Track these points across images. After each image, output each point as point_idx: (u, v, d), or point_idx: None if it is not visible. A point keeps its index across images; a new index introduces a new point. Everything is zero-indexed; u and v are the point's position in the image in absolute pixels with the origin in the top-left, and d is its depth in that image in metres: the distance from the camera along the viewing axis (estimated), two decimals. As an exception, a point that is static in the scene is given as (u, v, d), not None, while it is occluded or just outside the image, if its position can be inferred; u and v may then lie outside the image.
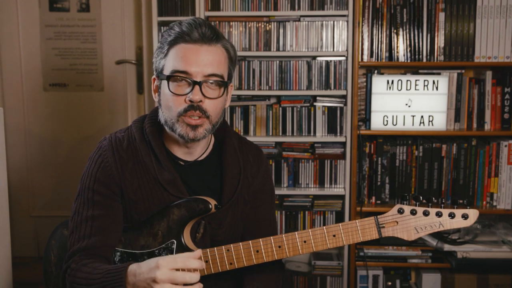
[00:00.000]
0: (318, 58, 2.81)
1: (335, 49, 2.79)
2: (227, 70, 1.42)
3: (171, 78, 1.36)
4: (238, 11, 2.78)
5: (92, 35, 3.35)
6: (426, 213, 1.28)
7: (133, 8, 3.32)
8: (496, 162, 2.72)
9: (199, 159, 1.50)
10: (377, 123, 2.72)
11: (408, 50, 2.72)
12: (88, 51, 3.37)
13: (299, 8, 2.78)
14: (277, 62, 2.81)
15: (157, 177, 1.42)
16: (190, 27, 1.36)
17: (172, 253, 1.39)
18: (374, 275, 2.81)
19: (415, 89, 2.69)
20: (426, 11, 2.70)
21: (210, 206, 1.38)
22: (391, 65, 2.80)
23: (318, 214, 2.86)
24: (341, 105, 2.81)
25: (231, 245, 1.36)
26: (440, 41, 2.70)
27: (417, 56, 2.72)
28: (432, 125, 2.69)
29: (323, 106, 2.83)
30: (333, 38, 2.79)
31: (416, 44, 2.71)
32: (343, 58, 2.78)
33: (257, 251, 1.35)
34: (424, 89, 2.68)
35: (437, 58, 2.71)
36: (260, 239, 1.35)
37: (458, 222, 1.27)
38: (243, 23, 2.80)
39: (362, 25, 2.73)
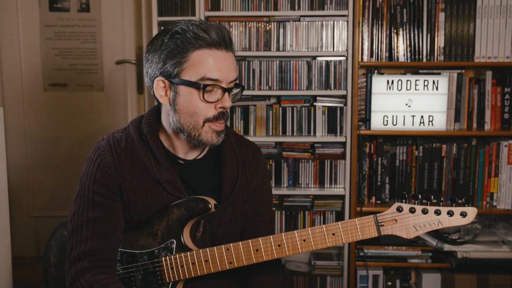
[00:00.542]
0: (318, 58, 2.81)
1: (335, 49, 2.79)
2: None
3: (206, 87, 1.34)
4: (238, 11, 2.78)
5: (92, 35, 3.35)
6: (425, 211, 1.29)
7: (133, 8, 3.33)
8: (496, 162, 2.72)
9: (198, 157, 1.50)
10: (377, 123, 2.72)
11: (408, 50, 2.72)
12: (88, 51, 3.37)
13: (299, 8, 2.78)
14: (277, 62, 2.81)
15: (156, 177, 1.42)
16: (211, 30, 1.34)
17: (172, 253, 1.40)
18: (374, 275, 2.81)
19: (415, 89, 2.69)
20: (426, 11, 2.70)
21: (210, 206, 1.38)
22: (391, 65, 2.80)
23: (318, 214, 2.86)
24: (341, 105, 2.82)
25: (231, 244, 1.36)
26: (440, 41, 2.70)
27: (417, 56, 2.72)
28: (432, 125, 2.70)
29: (323, 106, 2.83)
30: (333, 38, 2.79)
31: (416, 44, 2.71)
32: (343, 58, 2.78)
33: (257, 250, 1.35)
34: (424, 89, 2.68)
35: (437, 58, 2.71)
36: (260, 238, 1.35)
37: (456, 220, 1.28)
38: (243, 23, 2.80)
39: (362, 25, 2.73)
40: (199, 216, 1.41)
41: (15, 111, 3.41)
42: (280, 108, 2.84)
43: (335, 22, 2.78)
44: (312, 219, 2.86)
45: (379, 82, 2.70)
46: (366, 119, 2.79)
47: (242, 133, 2.86)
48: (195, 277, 1.40)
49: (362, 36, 2.73)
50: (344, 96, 2.81)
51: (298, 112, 2.84)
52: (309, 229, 1.32)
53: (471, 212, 1.27)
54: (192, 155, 1.49)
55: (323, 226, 1.32)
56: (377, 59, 2.75)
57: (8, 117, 3.35)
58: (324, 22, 2.79)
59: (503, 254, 2.65)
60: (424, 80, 2.68)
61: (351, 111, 2.75)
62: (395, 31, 2.72)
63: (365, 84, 2.81)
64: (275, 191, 2.81)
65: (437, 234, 2.74)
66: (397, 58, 2.73)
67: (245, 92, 2.82)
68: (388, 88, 2.70)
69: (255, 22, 2.80)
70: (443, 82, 2.68)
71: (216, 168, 1.51)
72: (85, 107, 3.41)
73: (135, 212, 1.43)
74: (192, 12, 2.78)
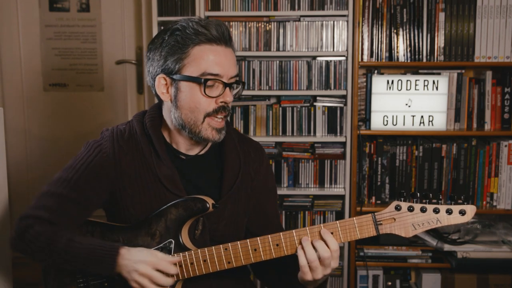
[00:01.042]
0: (318, 58, 2.81)
1: (335, 49, 2.79)
2: None
3: (207, 82, 1.35)
4: (238, 11, 2.78)
5: (92, 35, 3.36)
6: (423, 210, 1.28)
7: (133, 8, 3.33)
8: (496, 162, 2.72)
9: (200, 153, 1.51)
10: (377, 123, 2.72)
11: (408, 50, 2.72)
12: (88, 51, 3.37)
13: (299, 8, 2.78)
14: (277, 62, 2.81)
15: (156, 171, 1.43)
16: (210, 26, 1.36)
17: (170, 253, 1.40)
18: (374, 275, 2.81)
19: (415, 89, 2.69)
20: (426, 11, 2.70)
21: (208, 205, 1.38)
22: (391, 65, 2.80)
23: (318, 214, 2.86)
24: (341, 105, 2.81)
25: (229, 244, 1.36)
26: (440, 41, 2.70)
27: (417, 56, 2.72)
28: (432, 125, 2.69)
29: (323, 106, 2.83)
30: (333, 38, 2.79)
31: (416, 44, 2.71)
32: (343, 58, 2.78)
33: (255, 250, 1.35)
34: (424, 89, 2.68)
35: (437, 58, 2.71)
36: (258, 238, 1.35)
37: (455, 218, 1.27)
38: (243, 23, 2.80)
39: (362, 25, 2.73)
40: (197, 215, 1.41)
41: (15, 111, 3.41)
42: (280, 108, 2.84)
43: (335, 22, 2.78)
44: (312, 219, 2.86)
45: (379, 82, 2.70)
46: (366, 119, 2.78)
47: (238, 130, 2.86)
48: (194, 277, 1.40)
49: (362, 36, 2.73)
50: (344, 96, 2.81)
51: (298, 112, 2.84)
52: (307, 228, 1.32)
53: (470, 210, 1.27)
54: (194, 151, 1.50)
55: (321, 225, 1.31)
56: (377, 59, 2.75)
57: (8, 117, 3.35)
58: (324, 22, 2.79)
59: (503, 254, 2.65)
60: (424, 80, 2.67)
61: (351, 111, 2.75)
62: (395, 31, 2.72)
63: (365, 84, 2.81)
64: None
65: (437, 234, 2.74)
66: (397, 58, 2.73)
67: (245, 92, 2.82)
68: (388, 88, 2.70)
69: (255, 22, 2.80)
70: (443, 82, 2.68)
71: (218, 164, 1.52)
72: (85, 107, 3.41)
73: (131, 206, 1.44)
74: (192, 12, 2.78)
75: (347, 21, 2.74)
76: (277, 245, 1.34)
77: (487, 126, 2.76)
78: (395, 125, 2.71)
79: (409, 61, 2.72)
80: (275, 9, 2.78)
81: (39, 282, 3.09)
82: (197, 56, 1.35)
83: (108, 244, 1.36)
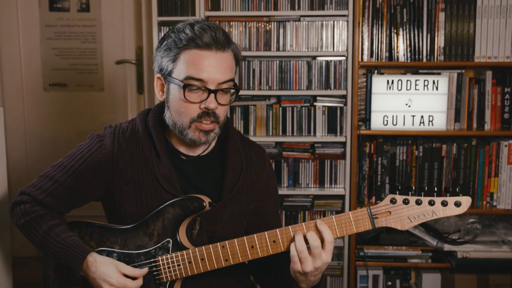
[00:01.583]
0: (318, 58, 2.81)
1: (335, 49, 2.79)
2: (234, 74, 1.44)
3: (187, 87, 1.35)
4: (238, 11, 2.78)
5: (92, 35, 3.36)
6: (418, 202, 1.28)
7: (133, 8, 3.33)
8: (496, 162, 2.72)
9: (202, 154, 1.51)
10: (377, 123, 2.72)
11: (408, 50, 2.72)
12: (88, 51, 3.37)
13: (299, 8, 2.78)
14: (277, 62, 2.81)
15: (154, 170, 1.43)
16: (203, 31, 1.35)
17: (168, 252, 1.40)
18: (374, 275, 2.81)
19: (415, 89, 2.69)
20: (426, 11, 2.70)
21: (204, 204, 1.38)
22: (391, 65, 2.80)
23: (318, 214, 2.86)
24: (341, 105, 2.81)
25: (226, 241, 1.36)
26: (440, 41, 2.70)
27: (417, 56, 2.72)
28: (432, 125, 2.69)
29: (323, 106, 2.83)
30: (333, 38, 2.79)
31: (416, 44, 2.71)
32: (343, 58, 2.78)
33: (252, 247, 1.35)
34: (424, 89, 2.68)
35: (437, 58, 2.71)
36: (255, 235, 1.35)
37: (451, 210, 1.27)
38: (243, 23, 2.80)
39: (362, 25, 2.73)
40: (194, 214, 1.41)
41: (15, 111, 3.41)
42: (280, 108, 2.84)
43: (335, 22, 2.78)
44: (312, 219, 2.86)
45: (379, 82, 2.70)
46: (366, 119, 2.78)
47: (241, 133, 2.86)
48: (193, 276, 1.41)
49: (362, 36, 2.73)
50: (344, 96, 2.81)
51: (298, 112, 2.84)
52: (303, 223, 1.32)
53: (465, 201, 1.26)
54: (195, 152, 1.50)
55: (317, 220, 1.32)
56: (377, 59, 2.75)
57: (8, 117, 3.35)
58: (324, 22, 2.79)
59: (503, 254, 2.65)
60: (424, 80, 2.67)
61: (351, 111, 2.75)
62: (395, 31, 2.72)
63: (365, 84, 2.81)
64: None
65: (437, 234, 2.74)
66: (397, 58, 2.73)
67: (245, 92, 2.82)
68: (388, 88, 2.70)
69: (255, 22, 2.80)
70: (443, 82, 2.68)
71: (220, 166, 1.52)
72: (85, 107, 3.41)
73: (127, 203, 1.45)
74: (192, 12, 2.78)
75: (347, 21, 2.74)
76: (274, 241, 1.34)
77: (487, 126, 2.76)
78: (395, 125, 2.71)
79: (409, 61, 2.72)
80: (275, 9, 2.78)
81: (39, 282, 3.10)
82: (185, 60, 1.36)
83: (80, 247, 1.40)
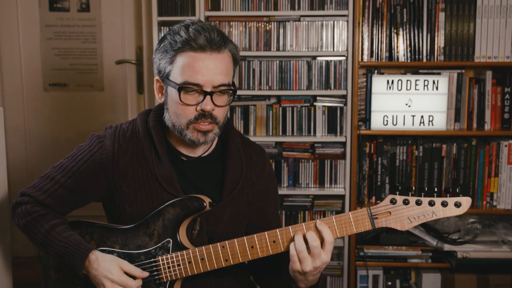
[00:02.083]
0: (318, 58, 2.81)
1: (335, 49, 2.79)
2: (232, 74, 1.43)
3: (182, 90, 1.36)
4: (238, 11, 2.78)
5: (92, 35, 3.36)
6: (418, 203, 1.28)
7: (133, 8, 3.32)
8: (496, 162, 2.72)
9: (202, 155, 1.51)
10: (377, 123, 2.72)
11: (408, 50, 2.72)
12: (88, 51, 3.37)
13: (299, 8, 2.78)
14: (277, 62, 2.81)
15: (154, 171, 1.44)
16: (198, 33, 1.35)
17: (168, 252, 1.40)
18: (374, 275, 2.81)
19: (415, 89, 2.69)
20: (426, 11, 2.70)
21: (205, 204, 1.38)
22: (391, 65, 2.80)
23: (318, 214, 2.86)
24: (341, 105, 2.81)
25: (226, 241, 1.36)
26: (440, 41, 2.70)
27: (417, 56, 2.72)
28: (432, 125, 2.69)
29: (323, 106, 2.83)
30: (333, 38, 2.79)
31: (416, 44, 2.71)
32: (343, 58, 2.78)
33: (252, 247, 1.35)
34: (424, 89, 2.68)
35: (437, 58, 2.71)
36: (255, 235, 1.35)
37: (451, 210, 1.27)
38: (243, 23, 2.80)
39: (362, 25, 2.73)
40: (195, 214, 1.41)
41: (15, 111, 3.41)
42: (280, 108, 2.84)
43: (335, 22, 2.78)
44: (312, 219, 2.86)
45: (379, 82, 2.70)
46: (366, 119, 2.78)
47: (242, 133, 2.86)
48: (193, 276, 1.41)
49: (362, 36, 2.73)
50: (344, 96, 2.81)
51: (298, 112, 2.84)
52: (303, 224, 1.32)
53: (465, 202, 1.26)
54: (196, 153, 1.50)
55: (317, 220, 1.32)
56: (377, 59, 2.75)
57: (8, 117, 3.35)
58: (324, 22, 2.79)
59: (503, 254, 2.65)
60: (424, 80, 2.67)
61: (351, 111, 2.75)
62: (395, 31, 2.72)
63: (365, 84, 2.81)
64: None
65: (437, 234, 2.74)
66: (397, 58, 2.73)
67: (245, 92, 2.82)
68: (388, 88, 2.70)
69: (255, 22, 2.80)
70: (443, 82, 2.68)
71: (220, 167, 1.52)
72: (85, 107, 3.41)
73: (127, 204, 1.45)
74: (192, 12, 2.78)
75: (347, 21, 2.74)
76: (274, 241, 1.34)
77: (487, 126, 2.76)
78: (395, 125, 2.71)
79: (409, 61, 2.72)
80: (275, 9, 2.78)
81: (39, 282, 3.10)
82: (181, 64, 1.36)
83: (82, 245, 1.40)
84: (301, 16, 2.78)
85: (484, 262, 2.65)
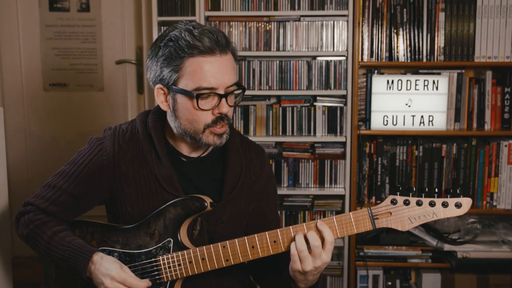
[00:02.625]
0: (318, 58, 2.81)
1: (335, 49, 2.79)
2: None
3: (200, 96, 1.34)
4: (238, 11, 2.78)
5: (92, 35, 3.36)
6: (419, 203, 1.28)
7: (133, 8, 3.32)
8: (496, 162, 2.72)
9: (202, 155, 1.51)
10: (377, 123, 2.72)
11: (408, 50, 2.72)
12: (88, 51, 3.37)
13: (299, 8, 2.78)
14: (277, 62, 2.81)
15: (155, 172, 1.43)
16: (204, 36, 1.32)
17: (169, 252, 1.40)
18: (374, 275, 2.81)
19: (415, 89, 2.69)
20: (426, 11, 2.70)
21: (206, 204, 1.38)
22: (391, 65, 2.80)
23: (318, 214, 2.86)
24: (341, 105, 2.81)
25: (227, 241, 1.36)
26: (440, 41, 2.70)
27: (417, 56, 2.72)
28: (432, 125, 2.70)
29: (323, 106, 2.83)
30: (333, 38, 2.79)
31: (416, 44, 2.71)
32: (343, 58, 2.78)
33: (253, 247, 1.35)
34: (424, 89, 2.68)
35: (437, 58, 2.71)
36: (255, 235, 1.35)
37: (451, 211, 1.27)
38: (243, 23, 2.80)
39: (362, 25, 2.73)
40: (196, 214, 1.41)
41: (15, 111, 3.40)
42: (280, 108, 2.84)
43: (335, 22, 2.78)
44: (312, 219, 2.86)
45: (379, 82, 2.70)
46: (366, 119, 2.79)
47: (242, 133, 2.86)
48: (193, 276, 1.41)
49: (362, 36, 2.73)
50: (344, 96, 2.81)
51: (298, 112, 2.84)
52: (304, 224, 1.32)
53: (466, 202, 1.27)
54: (196, 153, 1.50)
55: (318, 220, 1.32)
56: (377, 59, 2.75)
57: (8, 117, 3.35)
58: (324, 22, 2.79)
59: (503, 254, 2.65)
60: (424, 80, 2.68)
61: (351, 111, 2.75)
62: (395, 31, 2.72)
63: (365, 84, 2.81)
64: (275, 191, 2.81)
65: (437, 234, 2.74)
66: (397, 58, 2.73)
67: (245, 92, 2.82)
68: (388, 88, 2.70)
69: (255, 22, 2.80)
70: (443, 82, 2.68)
71: (220, 167, 1.52)
72: (85, 107, 3.41)
73: (129, 205, 1.45)
74: (192, 12, 2.78)
75: (347, 21, 2.74)
76: (275, 241, 1.34)
77: (487, 126, 2.76)
78: (395, 125, 2.71)
79: (409, 61, 2.72)
80: (275, 9, 2.78)
81: (39, 282, 3.10)
82: (190, 70, 1.33)
83: (86, 248, 1.39)
84: (301, 16, 2.78)
85: (484, 262, 2.65)
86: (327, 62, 2.80)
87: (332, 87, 2.81)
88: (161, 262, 1.40)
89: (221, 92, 1.36)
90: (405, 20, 2.71)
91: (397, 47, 2.72)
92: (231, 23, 2.80)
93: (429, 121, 2.69)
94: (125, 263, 1.42)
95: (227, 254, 1.36)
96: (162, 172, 1.43)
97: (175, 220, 1.40)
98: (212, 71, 1.33)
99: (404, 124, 2.71)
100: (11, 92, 3.40)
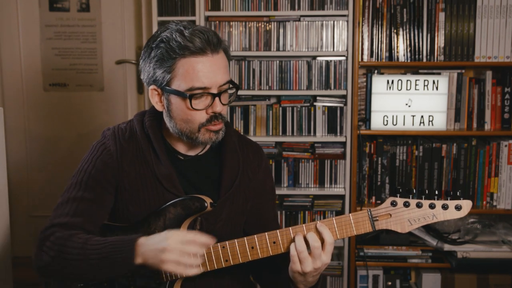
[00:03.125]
0: (318, 58, 2.81)
1: (335, 49, 2.79)
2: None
3: (192, 97, 1.35)
4: (238, 11, 2.78)
5: (92, 35, 3.35)
6: (419, 205, 1.28)
7: (133, 8, 3.32)
8: (496, 162, 2.72)
9: (199, 154, 1.52)
10: (377, 123, 2.72)
11: (408, 50, 2.72)
12: (88, 51, 3.37)
13: (299, 8, 2.78)
14: (277, 62, 2.81)
15: (155, 170, 1.44)
16: (195, 36, 1.33)
17: None
18: (374, 275, 2.81)
19: (415, 89, 2.69)
20: (426, 11, 2.70)
21: (206, 205, 1.38)
22: (391, 65, 2.80)
23: (318, 214, 2.86)
24: (341, 105, 2.81)
25: (227, 242, 1.36)
26: (440, 41, 2.70)
27: (417, 56, 2.72)
28: (432, 125, 2.69)
29: (323, 106, 2.83)
30: (333, 38, 2.79)
31: (416, 44, 2.71)
32: (343, 58, 2.78)
33: (252, 248, 1.35)
34: (424, 89, 2.68)
35: (437, 58, 2.71)
36: (255, 236, 1.35)
37: (451, 213, 1.27)
38: (243, 23, 2.80)
39: (362, 25, 2.73)
40: (196, 215, 1.41)
41: (15, 111, 3.40)
42: (280, 108, 2.84)
43: (335, 22, 2.78)
44: (312, 219, 2.86)
45: (379, 82, 2.70)
46: (366, 119, 2.78)
47: (242, 133, 2.85)
48: (193, 276, 1.40)
49: (362, 36, 2.73)
50: (344, 96, 2.81)
51: (298, 112, 2.84)
52: (303, 225, 1.32)
53: (466, 205, 1.27)
54: (193, 152, 1.51)
55: (317, 221, 1.32)
56: (377, 59, 2.75)
57: (8, 117, 3.35)
58: (324, 22, 2.79)
59: (503, 254, 2.65)
60: (424, 80, 2.68)
61: (351, 111, 2.75)
62: (395, 31, 2.72)
63: (365, 84, 2.81)
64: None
65: (437, 234, 2.74)
66: (397, 58, 2.73)
67: (245, 92, 2.82)
68: (388, 88, 2.70)
69: (255, 22, 2.80)
70: (443, 82, 2.68)
71: (217, 165, 1.52)
72: (85, 107, 3.41)
73: (130, 203, 1.45)
74: (192, 12, 2.78)
75: (347, 21, 2.74)
76: (274, 242, 1.34)
77: (487, 126, 2.76)
78: (395, 125, 2.71)
79: (409, 61, 2.72)
80: (275, 9, 2.78)
81: (39, 282, 3.09)
82: (182, 71, 1.34)
83: (126, 238, 1.32)
84: (301, 16, 2.78)
85: (484, 262, 2.65)
86: (327, 62, 2.80)
87: (332, 87, 2.81)
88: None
89: (214, 91, 1.36)
90: (405, 20, 2.71)
91: (397, 47, 2.72)
92: (231, 23, 2.80)
93: (429, 121, 2.69)
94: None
95: (226, 255, 1.36)
96: (162, 171, 1.44)
97: (175, 220, 1.40)
98: (204, 70, 1.34)
99: (404, 124, 2.71)
100: (11, 92, 3.40)
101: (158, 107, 1.43)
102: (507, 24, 2.66)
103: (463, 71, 2.76)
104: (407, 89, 2.69)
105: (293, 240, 1.31)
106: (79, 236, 1.35)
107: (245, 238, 1.36)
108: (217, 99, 1.37)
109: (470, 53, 2.69)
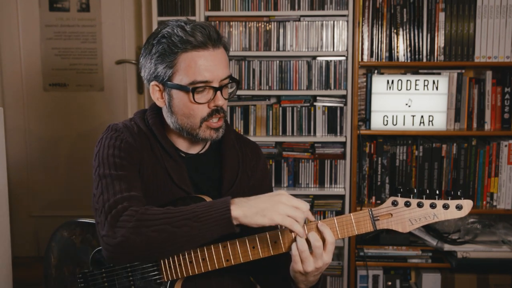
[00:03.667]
0: (318, 58, 2.81)
1: (335, 49, 2.79)
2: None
3: (195, 90, 1.36)
4: (238, 11, 2.79)
5: (92, 35, 3.36)
6: (420, 205, 1.29)
7: (133, 8, 3.33)
8: (496, 162, 2.72)
9: (200, 152, 1.52)
10: (377, 123, 2.72)
11: (408, 50, 2.72)
12: (88, 51, 3.37)
13: (299, 8, 2.78)
14: (277, 62, 2.81)
15: (165, 165, 1.44)
16: (196, 31, 1.35)
17: None
18: (374, 275, 2.81)
19: (415, 89, 2.69)
20: (426, 11, 2.70)
21: None
22: (391, 65, 2.80)
23: (318, 214, 2.86)
24: (341, 105, 2.82)
25: (227, 241, 1.36)
26: (440, 41, 2.70)
27: (417, 56, 2.72)
28: (432, 125, 2.70)
29: (323, 106, 2.83)
30: (333, 38, 2.79)
31: (416, 44, 2.71)
32: (343, 58, 2.78)
33: (253, 247, 1.35)
34: (424, 89, 2.68)
35: (437, 58, 2.71)
36: (256, 235, 1.35)
37: (452, 213, 1.28)
38: (243, 23, 2.80)
39: (362, 25, 2.73)
40: None
41: (15, 111, 3.41)
42: (280, 108, 2.84)
43: (335, 22, 2.78)
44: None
45: (379, 82, 2.70)
46: (366, 119, 2.79)
47: (242, 133, 2.86)
48: (194, 276, 1.41)
49: (362, 36, 2.73)
50: (344, 96, 2.81)
51: (298, 112, 2.84)
52: (305, 225, 1.32)
53: (467, 204, 1.27)
54: (194, 150, 1.51)
55: (319, 221, 1.32)
56: (377, 59, 2.75)
57: (8, 117, 3.35)
58: (324, 22, 2.79)
59: (503, 254, 2.65)
60: (424, 80, 2.68)
61: (351, 111, 2.75)
62: (395, 31, 2.72)
63: (365, 84, 2.81)
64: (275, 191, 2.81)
65: (437, 234, 2.75)
66: (397, 58, 2.73)
67: (245, 92, 2.83)
68: (388, 88, 2.70)
69: (255, 22, 2.80)
70: (443, 82, 2.68)
71: (217, 163, 1.53)
72: (85, 107, 3.41)
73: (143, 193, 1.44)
74: (192, 12, 2.78)
75: (347, 21, 2.75)
76: (275, 242, 1.34)
77: (487, 126, 2.76)
78: (395, 125, 2.71)
79: (409, 61, 2.72)
80: (275, 9, 2.78)
81: (39, 282, 3.10)
82: (185, 65, 1.35)
83: (215, 200, 1.27)
84: (301, 16, 2.78)
85: (484, 262, 2.65)
86: (327, 62, 2.80)
87: (332, 87, 2.81)
88: (162, 261, 1.40)
89: (216, 85, 1.38)
90: (405, 20, 2.71)
91: (397, 47, 2.72)
92: (231, 23, 2.80)
93: (429, 121, 2.69)
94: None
95: (227, 255, 1.36)
96: (171, 165, 1.44)
97: None
98: (206, 64, 1.35)
99: (404, 124, 2.71)
100: (11, 92, 3.40)
101: (159, 103, 1.44)
102: (507, 24, 2.67)
103: (463, 71, 2.76)
104: (407, 89, 2.69)
105: (294, 240, 1.31)
106: (155, 207, 1.28)
107: (246, 237, 1.36)
108: (218, 92, 1.38)
109: (470, 53, 2.70)
